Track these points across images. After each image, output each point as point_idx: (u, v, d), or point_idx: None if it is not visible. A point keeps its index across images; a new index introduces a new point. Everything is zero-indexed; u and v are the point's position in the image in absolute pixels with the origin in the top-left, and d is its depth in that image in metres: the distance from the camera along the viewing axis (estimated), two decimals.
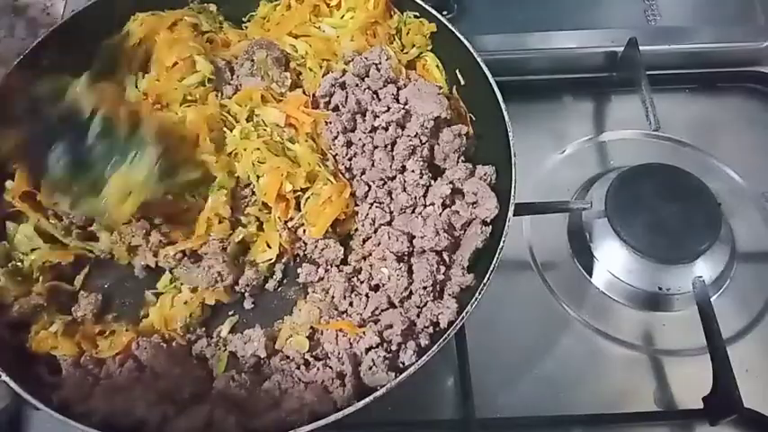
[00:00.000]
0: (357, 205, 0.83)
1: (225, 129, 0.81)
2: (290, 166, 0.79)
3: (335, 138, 0.83)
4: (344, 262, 0.81)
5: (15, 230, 0.78)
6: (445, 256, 0.78)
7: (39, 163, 0.70)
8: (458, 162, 0.84)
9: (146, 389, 0.70)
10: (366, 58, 0.86)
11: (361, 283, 0.78)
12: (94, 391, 0.70)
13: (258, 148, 0.80)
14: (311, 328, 0.77)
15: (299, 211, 0.81)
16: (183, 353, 0.75)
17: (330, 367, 0.72)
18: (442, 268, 0.76)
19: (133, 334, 0.74)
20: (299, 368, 0.73)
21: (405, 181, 0.82)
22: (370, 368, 0.70)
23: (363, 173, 0.83)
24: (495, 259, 0.72)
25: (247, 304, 0.81)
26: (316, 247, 0.80)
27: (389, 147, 0.83)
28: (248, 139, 0.80)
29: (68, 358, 0.73)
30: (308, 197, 0.80)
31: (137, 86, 0.85)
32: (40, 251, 0.77)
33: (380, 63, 0.86)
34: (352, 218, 0.82)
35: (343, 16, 0.93)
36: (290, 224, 0.81)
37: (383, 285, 0.76)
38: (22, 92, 0.70)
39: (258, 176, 0.80)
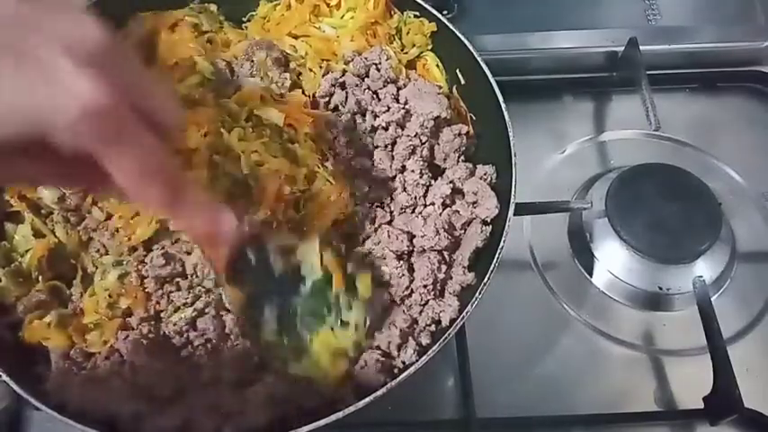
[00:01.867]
0: (357, 205, 0.82)
1: (223, 130, 0.81)
2: (290, 168, 0.79)
3: (335, 138, 0.83)
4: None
5: (14, 231, 0.78)
6: (446, 255, 0.78)
7: (255, 319, 0.64)
8: (458, 162, 0.84)
9: (122, 383, 0.69)
10: (366, 58, 0.86)
11: None
12: (72, 382, 0.69)
13: (257, 150, 0.79)
14: None
15: (298, 211, 0.80)
16: (166, 349, 0.74)
17: None
18: (443, 267, 0.76)
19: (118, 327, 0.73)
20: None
21: (405, 181, 0.82)
22: (363, 368, 0.70)
23: (363, 173, 0.83)
24: (495, 259, 0.72)
25: None
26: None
27: (389, 146, 0.83)
28: (247, 141, 0.80)
29: (59, 350, 0.72)
30: (307, 198, 0.80)
31: None
32: (32, 249, 0.77)
33: (380, 63, 0.86)
34: (352, 218, 0.82)
35: (343, 16, 0.93)
36: (290, 225, 0.80)
37: (384, 283, 0.76)
38: (258, 243, 0.64)
39: (256, 178, 0.80)
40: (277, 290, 0.65)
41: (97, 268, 0.77)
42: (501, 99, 0.81)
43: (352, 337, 0.67)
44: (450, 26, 0.89)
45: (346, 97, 0.85)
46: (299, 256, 0.66)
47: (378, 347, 0.72)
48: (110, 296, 0.75)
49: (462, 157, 0.85)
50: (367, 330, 0.68)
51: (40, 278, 0.76)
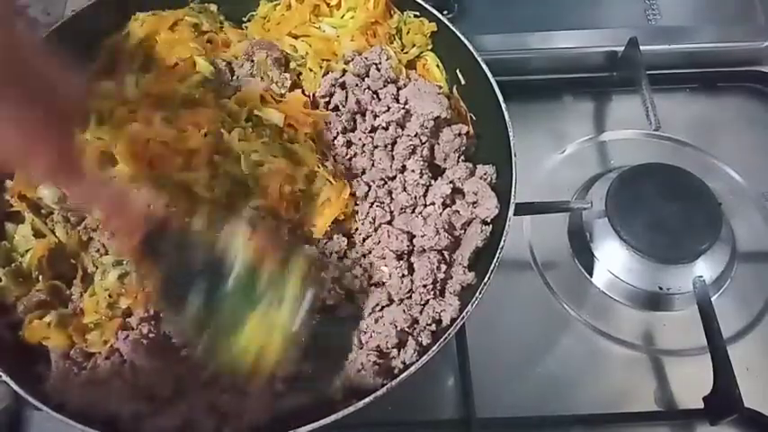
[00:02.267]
0: (357, 205, 0.83)
1: (223, 131, 0.81)
2: (290, 168, 0.79)
3: (335, 138, 0.83)
4: (345, 256, 0.81)
5: (14, 231, 0.78)
6: (446, 254, 0.78)
7: (175, 302, 0.64)
8: (458, 162, 0.84)
9: (122, 383, 0.69)
10: (366, 58, 0.86)
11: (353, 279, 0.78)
12: (72, 383, 0.69)
13: (257, 150, 0.79)
14: None
15: (298, 211, 0.81)
16: (166, 349, 0.73)
17: None
18: (443, 266, 0.76)
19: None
20: None
21: (405, 181, 0.82)
22: (359, 371, 0.70)
23: (363, 173, 0.83)
24: (495, 259, 0.72)
25: None
26: (319, 241, 0.80)
27: (389, 146, 0.83)
28: (247, 141, 0.80)
29: (58, 350, 0.73)
30: (308, 198, 0.80)
31: (137, 86, 0.85)
32: (32, 248, 0.77)
33: (380, 63, 0.86)
34: (352, 217, 0.82)
35: (344, 16, 0.93)
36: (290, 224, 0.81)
37: (383, 283, 0.76)
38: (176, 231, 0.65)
39: (256, 178, 0.80)
40: (203, 274, 0.64)
41: (97, 268, 0.77)
42: (501, 99, 0.81)
43: (288, 315, 0.65)
44: (451, 26, 0.89)
45: (346, 97, 0.85)
46: (224, 241, 0.65)
47: (376, 348, 0.72)
48: (110, 296, 0.75)
49: (462, 157, 0.85)
50: (311, 306, 0.66)
51: (41, 278, 0.76)
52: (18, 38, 0.54)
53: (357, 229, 0.82)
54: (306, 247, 0.77)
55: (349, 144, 0.83)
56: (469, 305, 0.70)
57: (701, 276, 0.90)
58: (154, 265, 0.64)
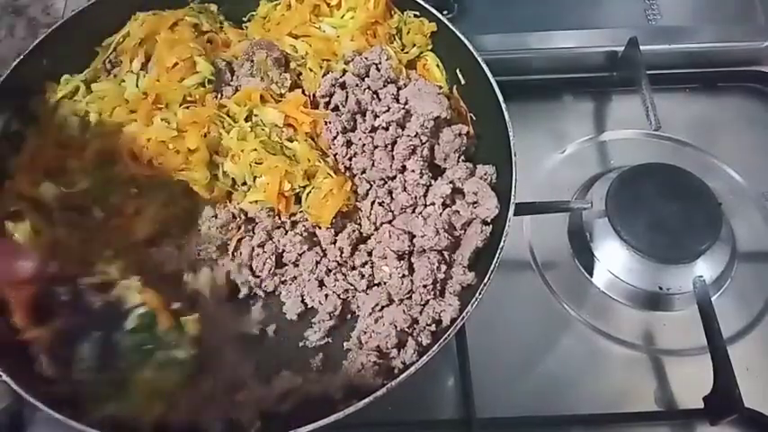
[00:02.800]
0: (358, 202, 0.83)
1: (222, 131, 0.81)
2: (289, 165, 0.79)
3: (335, 137, 0.83)
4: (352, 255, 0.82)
5: (14, 229, 0.78)
6: (446, 255, 0.78)
7: (65, 356, 0.65)
8: (458, 162, 0.84)
9: None
10: (366, 58, 0.86)
11: (362, 278, 0.78)
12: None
13: (255, 149, 0.80)
14: None
15: (299, 205, 0.81)
16: None
17: None
18: (443, 267, 0.76)
19: None
20: None
21: (405, 180, 0.82)
22: (359, 371, 0.70)
23: (363, 172, 0.83)
24: (495, 259, 0.72)
25: None
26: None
27: (390, 146, 0.83)
28: (245, 140, 0.80)
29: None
30: (309, 192, 0.80)
31: (137, 86, 0.85)
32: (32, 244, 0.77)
33: (380, 63, 0.86)
34: (355, 212, 0.82)
35: (344, 16, 0.93)
36: (293, 218, 0.81)
37: (384, 283, 0.76)
38: (68, 281, 0.65)
39: (255, 177, 0.80)
40: (97, 326, 0.64)
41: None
42: (501, 99, 0.81)
43: (174, 378, 0.66)
44: (451, 26, 0.89)
45: (346, 97, 0.85)
46: (118, 293, 0.66)
47: (376, 348, 0.72)
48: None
49: (462, 157, 0.85)
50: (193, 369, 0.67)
51: None
52: None
53: (360, 227, 0.83)
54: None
55: (349, 144, 0.83)
56: (469, 305, 0.70)
57: (701, 276, 0.90)
58: (47, 320, 0.64)
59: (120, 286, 0.67)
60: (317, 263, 0.79)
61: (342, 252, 0.79)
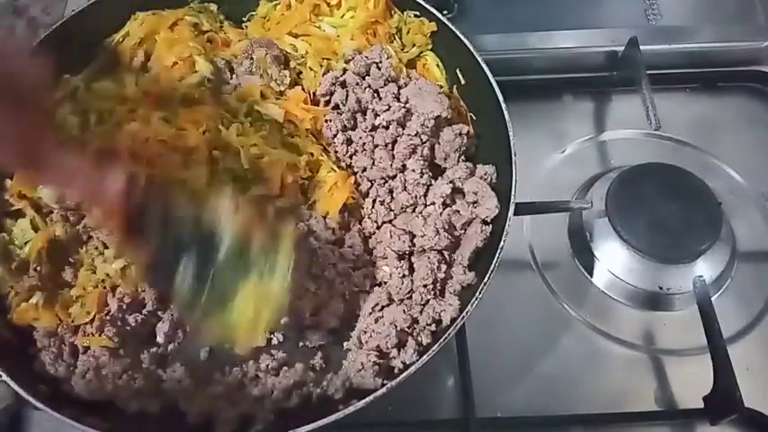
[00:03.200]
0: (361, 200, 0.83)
1: (221, 127, 0.81)
2: (291, 157, 0.79)
3: (335, 135, 0.83)
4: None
5: (13, 225, 0.79)
6: (446, 254, 0.78)
7: (165, 278, 0.63)
8: (458, 161, 0.84)
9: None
10: (366, 57, 0.86)
11: (365, 278, 0.78)
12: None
13: (255, 144, 0.80)
14: None
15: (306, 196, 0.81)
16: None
17: None
18: (443, 266, 0.76)
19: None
20: None
21: (405, 180, 0.82)
22: (359, 371, 0.70)
23: (364, 171, 0.83)
24: (495, 258, 0.72)
25: None
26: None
27: (390, 146, 0.83)
28: (245, 136, 0.80)
29: (44, 329, 0.73)
30: (314, 185, 0.80)
31: (137, 86, 0.85)
32: (32, 240, 0.77)
33: (381, 62, 0.86)
34: (359, 208, 0.82)
35: (344, 15, 0.93)
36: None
37: (384, 283, 0.76)
38: (157, 202, 0.63)
39: (257, 170, 0.80)
40: (193, 246, 0.63)
41: (101, 255, 0.78)
42: (501, 99, 0.81)
43: (279, 283, 0.64)
44: (451, 26, 0.89)
45: (347, 96, 0.85)
46: (212, 213, 0.64)
47: (376, 348, 0.72)
48: (107, 276, 0.76)
49: (463, 157, 0.85)
50: (291, 275, 0.65)
51: (39, 269, 0.76)
52: None
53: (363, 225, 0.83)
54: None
55: (349, 142, 0.83)
56: (469, 305, 0.70)
57: (701, 276, 0.90)
58: (141, 241, 0.63)
59: (212, 204, 0.65)
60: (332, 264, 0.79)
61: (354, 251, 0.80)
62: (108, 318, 0.73)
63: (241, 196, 0.72)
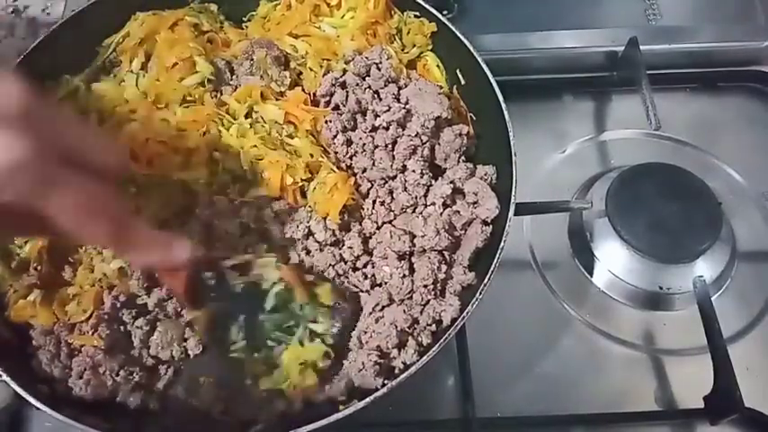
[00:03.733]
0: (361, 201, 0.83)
1: (221, 128, 0.81)
2: (290, 159, 0.79)
3: (335, 136, 0.83)
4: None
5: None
6: (446, 255, 0.78)
7: (219, 338, 0.68)
8: (458, 162, 0.84)
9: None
10: (367, 58, 0.86)
11: (365, 279, 0.78)
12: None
13: (255, 146, 0.80)
14: None
15: (305, 198, 0.81)
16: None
17: None
18: (444, 267, 0.76)
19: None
20: None
21: (405, 180, 0.82)
22: (359, 371, 0.70)
23: (364, 171, 0.83)
24: (495, 258, 0.72)
25: None
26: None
27: (390, 146, 0.83)
28: (245, 137, 0.80)
29: (38, 327, 0.74)
30: (314, 187, 0.80)
31: (137, 86, 0.85)
32: (32, 240, 0.77)
33: (381, 62, 0.86)
34: (359, 209, 0.82)
35: (344, 16, 0.93)
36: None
37: (385, 283, 0.76)
38: (212, 265, 0.67)
39: (256, 172, 0.80)
40: (241, 307, 0.67)
41: (100, 254, 0.77)
42: (501, 99, 0.81)
43: (321, 348, 0.69)
44: (451, 26, 0.89)
45: (347, 96, 0.85)
46: (256, 272, 0.68)
47: (377, 348, 0.72)
48: (105, 275, 0.76)
49: (463, 158, 0.85)
50: (337, 338, 0.70)
51: (39, 269, 0.76)
52: (55, 116, 0.50)
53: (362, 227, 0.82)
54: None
55: (349, 143, 0.83)
56: (470, 305, 0.70)
57: (702, 276, 0.90)
58: (201, 303, 0.67)
59: (258, 265, 0.69)
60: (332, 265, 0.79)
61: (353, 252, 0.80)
62: (105, 316, 0.73)
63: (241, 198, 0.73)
